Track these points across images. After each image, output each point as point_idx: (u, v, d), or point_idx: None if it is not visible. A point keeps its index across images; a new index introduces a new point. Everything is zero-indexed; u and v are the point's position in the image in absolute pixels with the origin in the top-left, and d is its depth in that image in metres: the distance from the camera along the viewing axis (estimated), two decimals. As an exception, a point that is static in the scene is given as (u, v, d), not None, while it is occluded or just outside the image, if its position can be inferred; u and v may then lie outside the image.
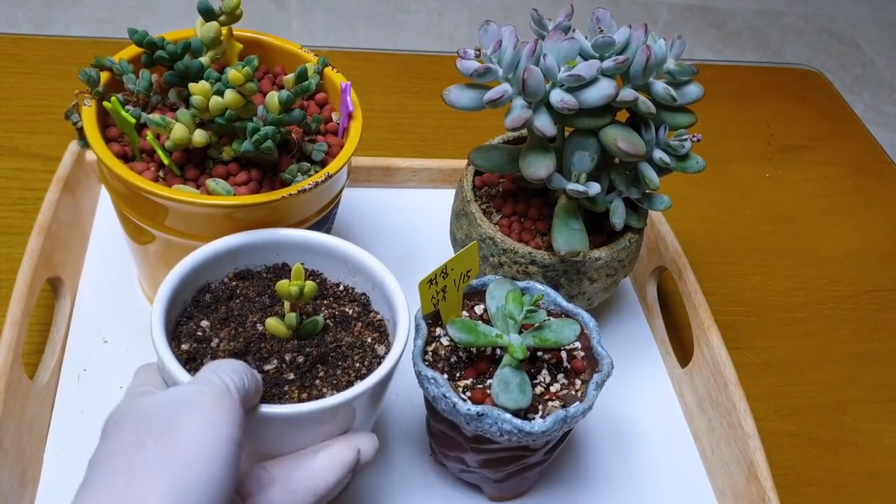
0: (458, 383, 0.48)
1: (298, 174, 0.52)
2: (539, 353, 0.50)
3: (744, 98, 0.99)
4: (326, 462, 0.41)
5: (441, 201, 0.71)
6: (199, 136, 0.49)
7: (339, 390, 0.44)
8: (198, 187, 0.51)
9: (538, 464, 0.51)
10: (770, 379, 0.68)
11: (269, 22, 1.72)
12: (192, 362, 0.44)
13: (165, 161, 0.51)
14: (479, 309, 0.52)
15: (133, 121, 0.50)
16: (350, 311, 0.49)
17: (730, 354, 0.59)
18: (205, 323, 0.46)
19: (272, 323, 0.45)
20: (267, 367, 0.44)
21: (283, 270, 0.51)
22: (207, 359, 0.44)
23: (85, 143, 0.51)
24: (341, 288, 0.51)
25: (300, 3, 1.80)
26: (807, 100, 1.00)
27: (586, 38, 0.53)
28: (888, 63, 2.02)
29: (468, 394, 0.47)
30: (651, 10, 2.01)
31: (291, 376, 0.44)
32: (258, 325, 0.46)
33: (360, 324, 0.48)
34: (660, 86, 0.53)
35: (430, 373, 0.47)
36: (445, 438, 0.50)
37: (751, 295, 0.75)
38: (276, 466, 0.41)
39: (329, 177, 0.51)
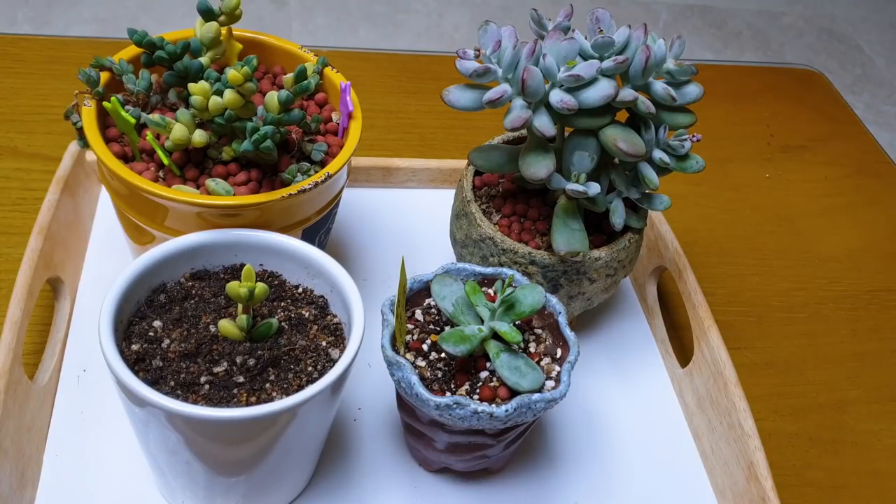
0: (459, 394, 0.48)
1: (298, 174, 0.52)
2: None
3: (744, 98, 0.99)
4: None
5: (441, 201, 0.71)
6: (199, 137, 0.49)
7: (289, 394, 0.43)
8: (197, 187, 0.51)
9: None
10: (770, 379, 0.68)
11: (268, 22, 1.72)
12: (140, 363, 0.44)
13: (165, 161, 0.51)
14: (418, 315, 0.52)
15: (133, 121, 0.50)
16: (307, 314, 0.49)
17: (730, 354, 0.59)
18: (157, 323, 0.46)
19: (224, 324, 0.45)
20: (217, 370, 0.44)
21: (240, 271, 0.50)
22: (157, 360, 0.44)
23: (85, 144, 0.51)
24: (300, 290, 0.50)
25: (300, 3, 1.80)
26: (807, 100, 1.00)
27: (586, 38, 0.53)
28: (888, 63, 2.01)
29: (476, 397, 0.47)
30: (651, 10, 2.01)
31: (241, 379, 0.44)
32: (211, 326, 0.46)
33: (316, 327, 0.48)
34: (659, 86, 0.53)
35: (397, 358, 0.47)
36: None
37: (751, 295, 0.75)
38: None
39: (329, 177, 0.51)
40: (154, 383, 0.43)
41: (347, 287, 0.48)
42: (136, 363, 0.44)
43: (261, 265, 0.51)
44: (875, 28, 2.13)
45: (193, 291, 0.48)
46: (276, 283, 0.50)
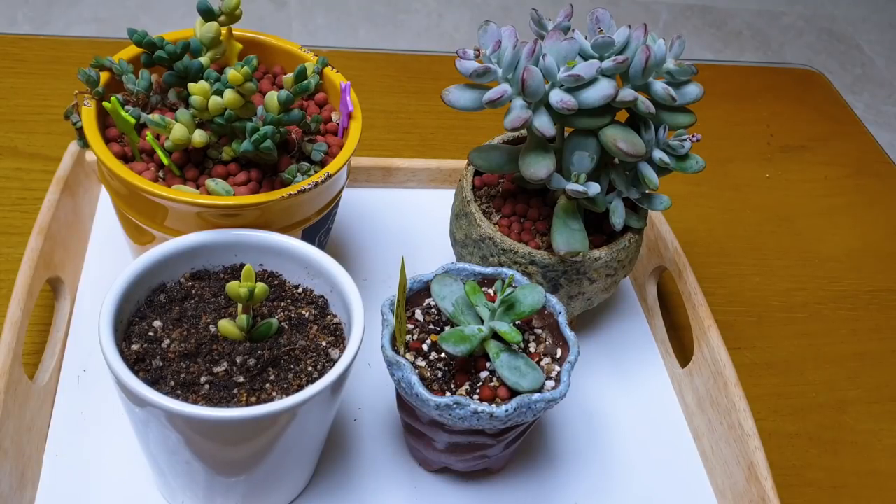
0: (459, 394, 0.48)
1: (298, 174, 0.52)
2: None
3: (744, 98, 0.99)
4: None
5: (441, 201, 0.71)
6: (199, 136, 0.49)
7: (289, 394, 0.43)
8: (197, 187, 0.51)
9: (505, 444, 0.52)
10: (770, 379, 0.68)
11: (268, 22, 1.72)
12: (140, 363, 0.44)
13: (165, 161, 0.51)
14: (418, 315, 0.52)
15: (133, 121, 0.50)
16: (307, 314, 0.49)
17: (730, 354, 0.59)
18: (157, 323, 0.46)
19: (224, 324, 0.45)
20: (217, 370, 0.44)
21: (240, 271, 0.49)
22: (157, 360, 0.44)
23: (85, 144, 0.51)
24: (300, 290, 0.50)
25: (300, 3, 1.80)
26: (807, 100, 1.00)
27: (586, 38, 0.53)
28: (888, 63, 2.01)
29: (476, 397, 0.47)
30: (651, 10, 2.01)
31: (241, 379, 0.44)
32: (211, 326, 0.46)
33: (315, 327, 0.48)
34: (659, 86, 0.53)
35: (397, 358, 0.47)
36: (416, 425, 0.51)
37: (751, 295, 0.75)
38: None
39: (329, 177, 0.51)
40: (154, 383, 0.43)
41: (347, 287, 0.48)
42: (136, 363, 0.44)
43: (261, 265, 0.51)
44: (875, 28, 2.13)
45: (193, 291, 0.49)
46: (276, 283, 0.50)
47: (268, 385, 0.44)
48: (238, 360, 0.44)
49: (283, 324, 0.47)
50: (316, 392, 0.42)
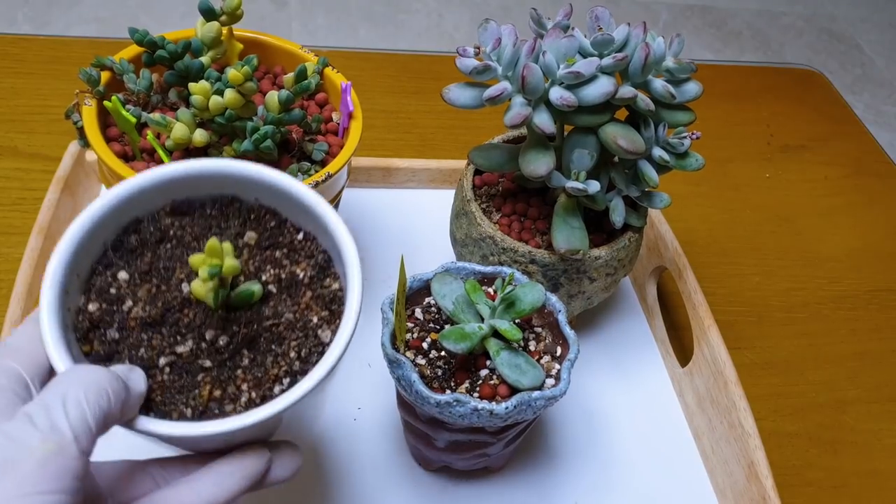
0: (459, 391, 0.48)
1: (298, 174, 0.52)
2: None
3: (743, 98, 0.99)
4: (221, 477, 0.34)
5: (441, 201, 0.71)
6: (200, 136, 0.49)
7: (261, 386, 0.36)
8: (198, 186, 0.51)
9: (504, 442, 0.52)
10: (770, 379, 0.68)
11: (269, 22, 1.72)
12: (94, 330, 0.36)
13: (166, 160, 0.51)
14: (418, 313, 0.52)
15: (133, 120, 0.50)
16: (301, 274, 0.39)
17: (730, 354, 0.59)
18: (122, 275, 0.37)
19: (198, 286, 0.36)
20: (180, 349, 0.36)
21: (232, 206, 0.40)
22: (112, 330, 0.36)
23: (85, 143, 0.51)
24: (300, 237, 0.40)
25: (300, 3, 1.80)
26: (807, 100, 1.00)
27: (585, 36, 0.53)
28: (888, 63, 2.02)
29: (476, 394, 0.47)
30: (651, 10, 2.01)
31: (207, 363, 0.36)
32: (184, 284, 0.37)
33: (309, 293, 0.38)
34: (659, 83, 0.53)
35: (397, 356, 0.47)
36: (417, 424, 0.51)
37: (751, 295, 0.75)
38: (163, 471, 0.36)
39: (329, 176, 0.52)
40: (108, 359, 0.36)
41: (348, 251, 0.38)
42: (91, 330, 0.36)
43: (256, 199, 0.40)
44: (875, 28, 2.13)
45: (171, 232, 0.39)
46: (273, 224, 0.40)
47: (238, 373, 0.36)
48: (208, 335, 0.37)
49: (270, 286, 0.38)
50: (282, 408, 0.34)
